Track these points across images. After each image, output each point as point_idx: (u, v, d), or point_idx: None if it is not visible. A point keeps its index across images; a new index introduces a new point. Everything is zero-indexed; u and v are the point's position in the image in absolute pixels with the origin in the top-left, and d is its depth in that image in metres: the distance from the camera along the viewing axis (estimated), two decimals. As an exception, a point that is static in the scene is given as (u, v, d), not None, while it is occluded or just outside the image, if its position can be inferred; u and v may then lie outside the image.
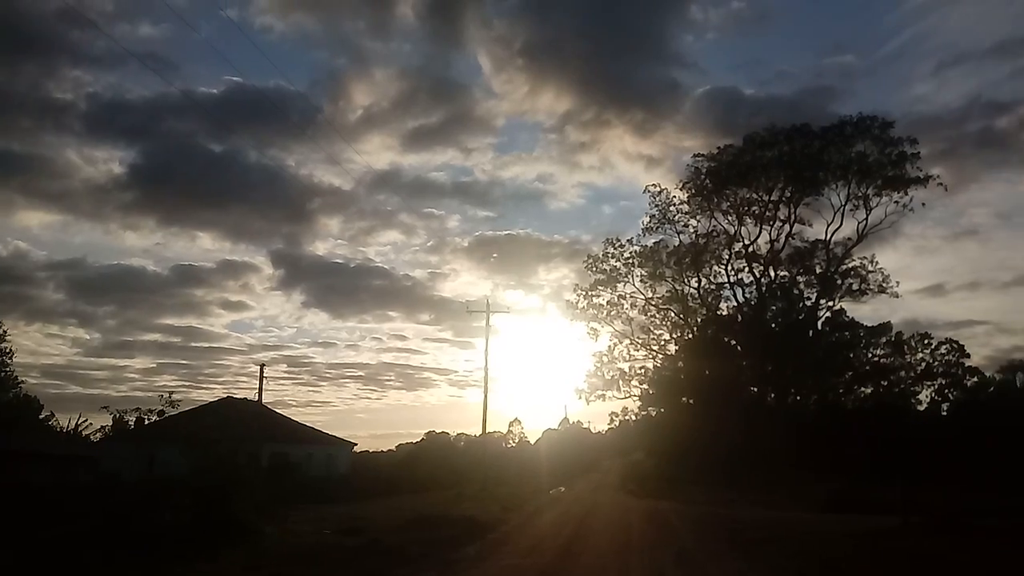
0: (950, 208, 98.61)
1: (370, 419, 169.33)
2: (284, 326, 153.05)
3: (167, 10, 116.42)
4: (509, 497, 29.03)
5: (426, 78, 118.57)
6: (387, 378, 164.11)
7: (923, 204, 45.77)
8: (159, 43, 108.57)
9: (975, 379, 54.71)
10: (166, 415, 18.25)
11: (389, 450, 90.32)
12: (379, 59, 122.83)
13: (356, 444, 53.39)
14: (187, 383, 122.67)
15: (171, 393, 17.84)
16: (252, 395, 40.44)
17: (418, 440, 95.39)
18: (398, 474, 42.01)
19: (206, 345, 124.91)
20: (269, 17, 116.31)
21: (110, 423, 39.61)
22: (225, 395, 48.01)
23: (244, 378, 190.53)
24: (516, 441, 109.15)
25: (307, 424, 50.09)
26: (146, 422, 24.47)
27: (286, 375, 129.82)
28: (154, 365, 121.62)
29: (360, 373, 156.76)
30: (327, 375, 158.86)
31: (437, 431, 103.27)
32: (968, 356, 53.44)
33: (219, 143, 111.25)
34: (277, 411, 49.58)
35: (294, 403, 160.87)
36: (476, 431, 42.98)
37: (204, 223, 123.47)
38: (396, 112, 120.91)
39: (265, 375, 39.51)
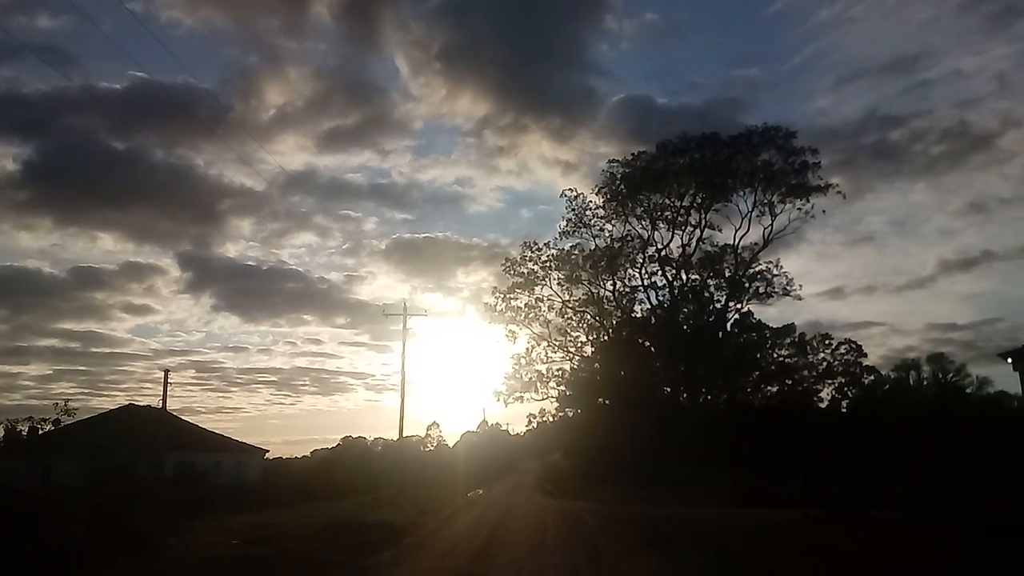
0: (848, 216, 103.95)
1: (284, 425, 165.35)
2: (192, 330, 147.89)
3: (67, 2, 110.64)
4: (426, 501, 28.81)
5: (342, 79, 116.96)
6: (301, 383, 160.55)
7: (824, 211, 48.05)
8: (58, 36, 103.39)
9: (872, 377, 57.78)
10: (62, 424, 17.37)
11: (304, 456, 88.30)
12: (293, 58, 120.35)
13: (268, 451, 52.10)
14: (86, 390, 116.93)
15: (67, 401, 16.98)
16: (156, 402, 38.73)
17: (334, 446, 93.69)
18: (313, 481, 41.11)
19: (107, 350, 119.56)
20: (176, 12, 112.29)
21: (1, 433, 37.32)
22: (127, 402, 46.04)
23: (148, 384, 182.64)
24: (435, 445, 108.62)
25: (216, 431, 48.55)
26: (40, 432, 23.15)
27: (194, 381, 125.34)
28: (50, 372, 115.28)
29: (273, 378, 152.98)
30: (238, 380, 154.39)
31: (354, 436, 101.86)
32: (865, 356, 56.44)
33: (122, 141, 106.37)
34: (184, 418, 47.86)
35: (202, 410, 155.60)
36: (394, 435, 42.63)
37: (106, 223, 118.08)
38: (311, 112, 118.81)
39: (171, 381, 37.93)
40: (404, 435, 44.65)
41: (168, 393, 37.57)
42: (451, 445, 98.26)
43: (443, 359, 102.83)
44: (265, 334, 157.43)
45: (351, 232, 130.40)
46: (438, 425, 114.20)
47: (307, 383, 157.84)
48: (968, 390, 59.91)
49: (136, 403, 44.53)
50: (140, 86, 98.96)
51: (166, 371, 37.80)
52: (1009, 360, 16.78)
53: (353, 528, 19.08)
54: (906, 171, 78.82)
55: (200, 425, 49.33)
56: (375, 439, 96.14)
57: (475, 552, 15.30)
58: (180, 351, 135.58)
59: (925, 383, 62.50)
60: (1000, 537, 13.66)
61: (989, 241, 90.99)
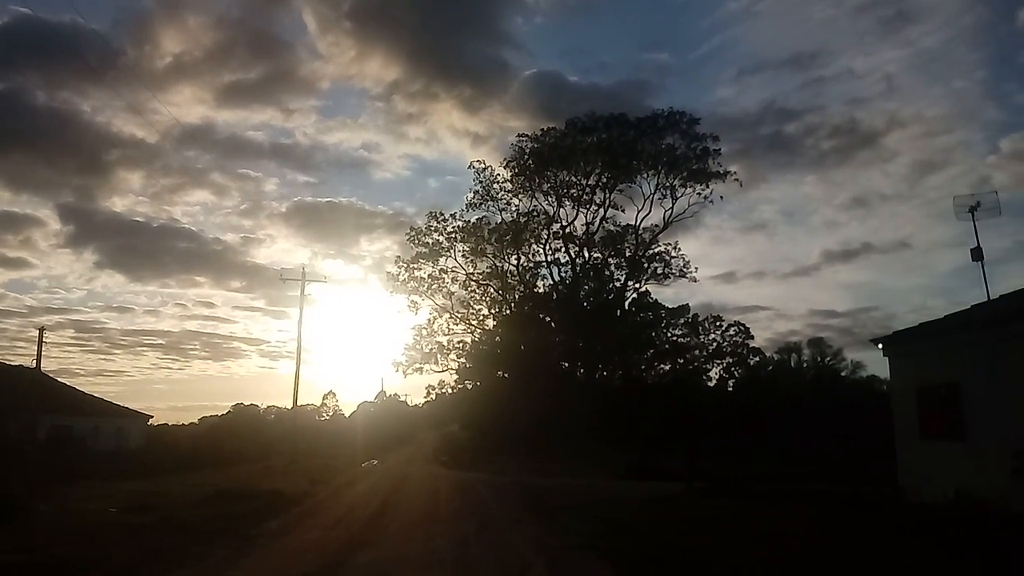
0: (743, 203, 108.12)
1: (170, 390, 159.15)
2: (72, 288, 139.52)
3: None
4: (319, 470, 28.39)
5: (246, 30, 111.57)
6: (191, 347, 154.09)
7: (721, 198, 49.90)
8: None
9: (757, 359, 60.71)
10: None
11: (191, 423, 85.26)
12: (192, 4, 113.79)
13: (152, 416, 49.98)
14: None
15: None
16: (30, 362, 36.36)
17: (224, 413, 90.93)
18: (200, 448, 39.74)
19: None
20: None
21: None
22: (-3, 361, 42.87)
23: (22, 344, 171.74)
24: (330, 414, 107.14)
25: (95, 395, 46.15)
26: None
27: (73, 342, 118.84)
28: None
29: (160, 341, 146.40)
30: (122, 342, 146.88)
31: (245, 404, 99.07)
32: (752, 338, 59.19)
33: (0, 80, 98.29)
34: (60, 380, 45.22)
35: (82, 372, 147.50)
36: (288, 404, 41.72)
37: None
38: (211, 64, 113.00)
39: (46, 340, 35.60)
40: (299, 404, 43.85)
41: (43, 353, 35.23)
42: (347, 415, 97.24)
43: (342, 328, 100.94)
44: (153, 295, 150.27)
45: (250, 192, 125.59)
46: (335, 394, 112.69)
47: (197, 347, 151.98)
48: (843, 373, 63.96)
49: (7, 363, 41.69)
50: (22, 22, 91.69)
51: (41, 329, 35.46)
52: (880, 346, 17.88)
53: (240, 496, 18.59)
54: (798, 163, 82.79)
55: (78, 388, 46.79)
56: (268, 407, 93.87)
57: (366, 521, 15.21)
58: (58, 309, 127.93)
59: (805, 366, 66.27)
60: (858, 509, 14.70)
61: (869, 234, 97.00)
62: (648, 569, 9.69)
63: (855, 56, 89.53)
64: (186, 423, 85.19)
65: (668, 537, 12.26)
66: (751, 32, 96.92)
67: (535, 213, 52.05)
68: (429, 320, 54.62)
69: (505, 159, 51.97)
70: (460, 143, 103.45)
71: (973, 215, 14.24)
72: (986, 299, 14.61)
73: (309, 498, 19.82)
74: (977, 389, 14.39)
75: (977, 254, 14.42)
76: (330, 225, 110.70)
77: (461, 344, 55.36)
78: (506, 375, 52.55)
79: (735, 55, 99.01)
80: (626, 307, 54.69)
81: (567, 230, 52.01)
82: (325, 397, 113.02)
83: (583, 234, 52.09)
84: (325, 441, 52.69)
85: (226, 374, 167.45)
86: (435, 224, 52.65)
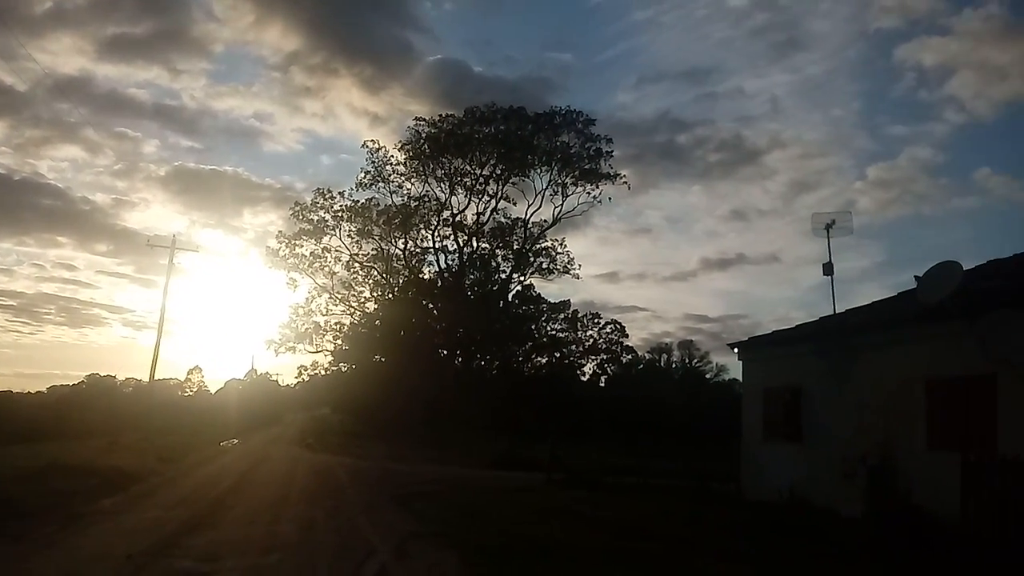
0: (631, 207, 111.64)
1: (18, 355, 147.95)
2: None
3: None
4: (172, 448, 27.00)
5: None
6: (46, 311, 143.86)
7: (610, 199, 50.96)
8: None
9: (630, 357, 62.74)
10: None
11: (39, 392, 79.53)
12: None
13: (-7, 382, 46.18)
14: None
15: None
16: None
17: (77, 383, 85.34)
18: (43, 419, 36.97)
19: None
20: None
21: None
22: None
23: None
24: (195, 390, 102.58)
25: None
26: None
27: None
28: None
29: (11, 302, 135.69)
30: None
31: (102, 374, 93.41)
32: (627, 336, 61.09)
33: None
34: None
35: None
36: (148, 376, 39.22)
37: None
38: (93, 13, 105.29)
39: None
40: (160, 377, 41.62)
41: None
42: (213, 392, 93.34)
43: (215, 301, 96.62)
44: (7, 252, 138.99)
45: (126, 152, 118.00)
46: (200, 370, 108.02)
47: (53, 312, 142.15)
48: (708, 376, 67.13)
49: None
50: None
51: None
52: (736, 351, 18.79)
53: (77, 472, 17.35)
54: (686, 173, 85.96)
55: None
56: (126, 379, 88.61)
57: (211, 502, 14.54)
58: None
59: (674, 366, 69.18)
60: (698, 504, 15.41)
61: (745, 246, 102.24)
62: (494, 557, 9.71)
63: (746, 76, 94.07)
64: (34, 391, 79.41)
65: (520, 526, 12.37)
66: (654, 43, 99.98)
67: (427, 198, 51.51)
68: (307, 299, 53.16)
69: (400, 142, 51.18)
70: (358, 122, 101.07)
71: (828, 232, 15.08)
72: (833, 312, 15.54)
73: (154, 476, 18.81)
74: (816, 396, 15.34)
75: (828, 269, 15.30)
76: (212, 194, 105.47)
77: (339, 325, 54.21)
78: (383, 359, 51.86)
79: (637, 63, 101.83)
80: (509, 299, 55.14)
81: (457, 218, 51.80)
82: (190, 372, 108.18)
83: (473, 223, 52.03)
84: (187, 418, 50.21)
85: (83, 342, 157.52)
86: (322, 201, 51.14)
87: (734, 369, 67.62)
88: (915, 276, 12.99)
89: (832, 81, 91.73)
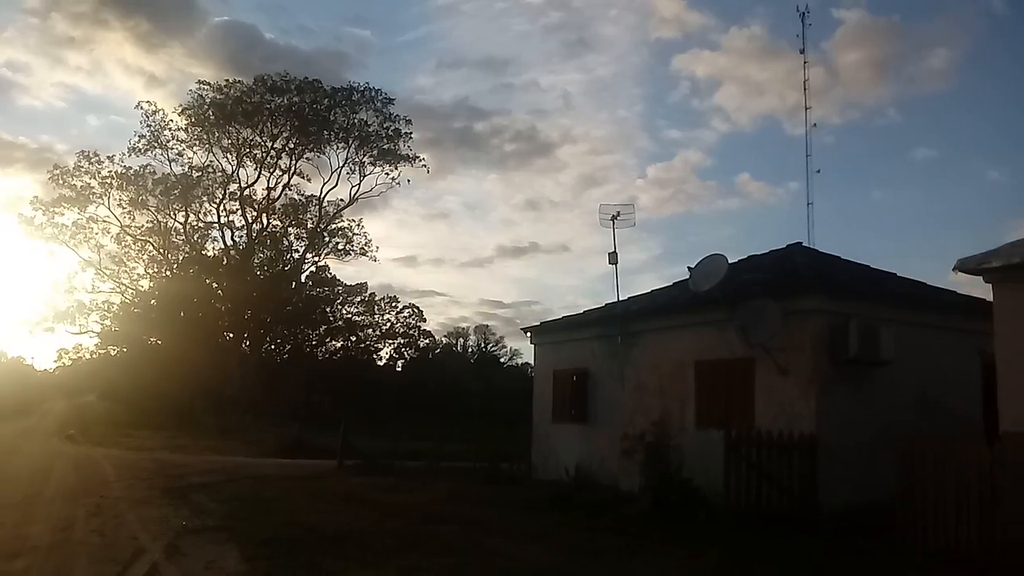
0: (430, 191, 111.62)
1: None
2: None
3: None
4: None
5: None
6: None
7: (409, 181, 50.57)
8: None
9: (427, 341, 63.05)
10: None
11: None
12: None
13: None
14: None
15: None
16: None
17: None
18: None
19: None
20: None
21: None
22: None
23: None
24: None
25: None
26: None
27: None
28: None
29: None
30: None
31: None
32: (425, 321, 61.31)
33: None
34: None
35: None
36: None
37: None
38: None
39: None
40: None
41: None
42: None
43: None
44: None
45: None
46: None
47: None
48: (502, 360, 69.20)
49: None
50: None
51: None
52: (528, 335, 19.43)
53: None
54: (483, 161, 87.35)
55: None
56: None
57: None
58: None
59: (470, 351, 70.51)
60: (499, 485, 15.84)
61: (537, 235, 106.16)
62: (280, 549, 9.26)
63: (541, 71, 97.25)
64: None
65: (309, 515, 11.95)
66: (455, 29, 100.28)
67: (211, 169, 47.93)
68: (69, 274, 47.77)
69: (182, 106, 47.10)
70: (132, 81, 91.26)
71: (613, 224, 15.93)
72: (617, 300, 16.47)
73: None
74: (601, 379, 16.24)
75: (613, 258, 16.17)
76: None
77: (107, 304, 49.28)
78: (159, 342, 47.90)
79: (437, 48, 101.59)
80: (302, 280, 53.13)
81: (246, 192, 48.73)
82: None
83: (263, 199, 49.26)
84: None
85: None
86: (87, 165, 45.88)
87: (527, 353, 70.28)
88: (687, 267, 14.06)
89: (619, 83, 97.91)
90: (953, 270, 9.18)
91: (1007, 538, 8.14)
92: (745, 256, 16.31)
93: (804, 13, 19.52)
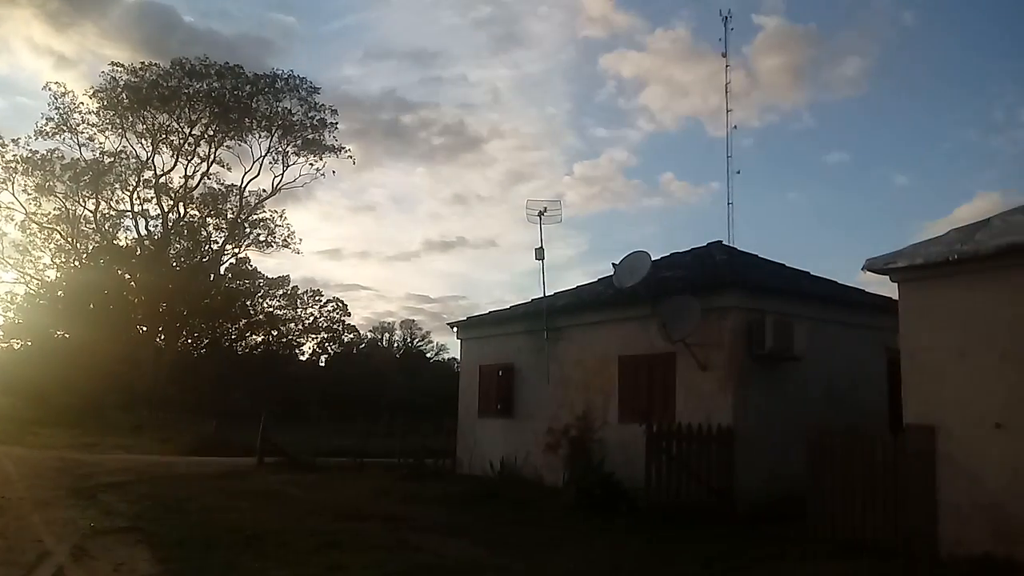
0: (356, 183, 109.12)
1: None
2: None
3: None
4: None
5: None
6: None
7: (334, 172, 49.56)
8: None
9: (352, 336, 62.10)
10: None
11: None
12: None
13: None
14: None
15: None
16: None
17: None
18: None
19: None
20: None
21: None
22: None
23: None
24: None
25: None
26: None
27: None
28: None
29: None
30: None
31: None
32: (350, 315, 60.30)
33: None
34: None
35: None
36: None
37: None
38: None
39: None
40: None
41: None
42: None
43: None
44: None
45: None
46: None
47: None
48: (428, 355, 68.75)
49: None
50: None
51: None
52: (455, 329, 19.39)
53: None
54: (411, 154, 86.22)
55: None
56: None
57: None
58: None
59: (396, 345, 69.77)
60: (423, 480, 15.74)
61: (465, 230, 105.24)
62: (194, 549, 8.97)
63: (471, 65, 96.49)
64: None
65: (226, 514, 11.62)
66: (383, 20, 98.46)
67: (124, 155, 45.76)
68: (-33, 264, 45.05)
69: (93, 88, 44.84)
70: (40, 61, 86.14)
71: (541, 220, 16.03)
72: (543, 295, 16.59)
73: None
74: (527, 373, 16.35)
75: (540, 254, 16.27)
76: None
77: (10, 295, 46.68)
78: (67, 335, 45.62)
79: (364, 38, 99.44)
80: (221, 272, 51.47)
81: (162, 180, 46.76)
82: None
83: (180, 187, 47.36)
84: None
85: None
86: (-11, 148, 43.36)
87: (453, 348, 70.00)
88: (612, 264, 14.28)
89: (547, 80, 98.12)
90: (862, 269, 9.56)
91: (910, 525, 8.58)
92: (668, 253, 16.70)
93: (727, 17, 20.16)
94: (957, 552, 8.08)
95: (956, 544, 8.17)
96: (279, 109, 46.59)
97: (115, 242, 48.05)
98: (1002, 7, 76.18)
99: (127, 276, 47.91)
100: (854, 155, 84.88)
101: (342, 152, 48.46)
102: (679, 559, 8.80)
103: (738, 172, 19.51)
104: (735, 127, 20.25)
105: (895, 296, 9.52)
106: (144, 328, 47.81)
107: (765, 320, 11.99)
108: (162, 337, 48.13)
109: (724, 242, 16.88)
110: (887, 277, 9.50)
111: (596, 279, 17.53)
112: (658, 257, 15.34)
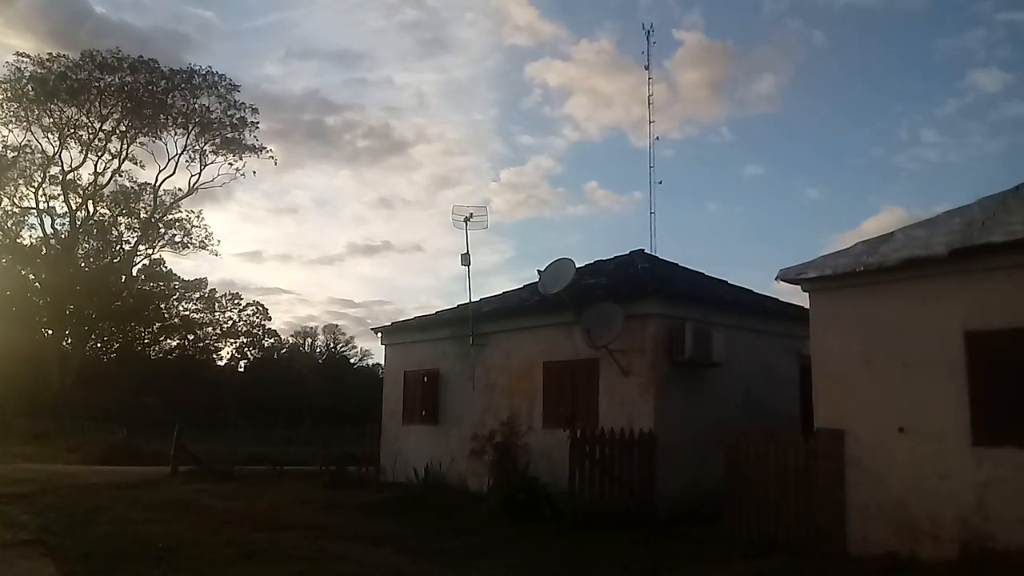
0: (277, 185, 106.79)
1: None
2: None
3: None
4: None
5: None
6: None
7: (254, 173, 48.53)
8: None
9: (273, 340, 60.69)
10: None
11: None
12: None
13: None
14: None
15: None
16: None
17: None
18: None
19: None
20: None
21: None
22: None
23: None
24: None
25: None
26: None
27: None
28: None
29: None
30: None
31: None
32: (270, 319, 59.02)
33: None
34: None
35: None
36: None
37: None
38: None
39: None
40: None
41: None
42: None
43: None
44: None
45: None
46: None
47: None
48: (352, 360, 67.69)
49: None
50: None
51: None
52: (379, 335, 19.17)
53: None
54: (335, 156, 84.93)
55: None
56: None
57: None
58: None
59: (319, 350, 68.45)
60: (345, 488, 15.48)
61: (391, 234, 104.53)
62: (103, 563, 8.58)
63: (396, 68, 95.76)
64: None
65: (137, 525, 11.16)
66: (307, 19, 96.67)
67: (29, 150, 43.54)
68: None
69: (-5, 78, 42.43)
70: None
71: (467, 225, 16.02)
72: (469, 301, 16.57)
73: None
74: (452, 379, 16.30)
75: (465, 259, 16.27)
76: None
77: (-98, 297, 43.67)
78: (-37, 339, 43.01)
79: (287, 37, 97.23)
80: (134, 274, 49.47)
81: (69, 176, 44.63)
82: None
83: (90, 184, 45.33)
84: None
85: None
86: None
87: (378, 354, 69.20)
88: (537, 270, 14.41)
89: (473, 86, 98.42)
90: (775, 279, 9.95)
91: (821, 525, 8.95)
92: (592, 261, 16.97)
93: (649, 31, 20.70)
94: (864, 550, 8.46)
95: (863, 543, 8.57)
96: (196, 106, 45.22)
97: (18, 240, 45.55)
98: (904, 32, 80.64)
99: (31, 276, 45.58)
100: (769, 168, 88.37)
101: (263, 152, 47.38)
102: (600, 561, 8.92)
103: (660, 182, 20.03)
104: (657, 138, 20.82)
105: (807, 305, 9.92)
106: (49, 331, 45.52)
107: (685, 327, 12.32)
108: (69, 341, 45.91)
109: (646, 250, 17.28)
110: (799, 287, 9.89)
111: (522, 285, 17.64)
112: (582, 265, 15.59)
